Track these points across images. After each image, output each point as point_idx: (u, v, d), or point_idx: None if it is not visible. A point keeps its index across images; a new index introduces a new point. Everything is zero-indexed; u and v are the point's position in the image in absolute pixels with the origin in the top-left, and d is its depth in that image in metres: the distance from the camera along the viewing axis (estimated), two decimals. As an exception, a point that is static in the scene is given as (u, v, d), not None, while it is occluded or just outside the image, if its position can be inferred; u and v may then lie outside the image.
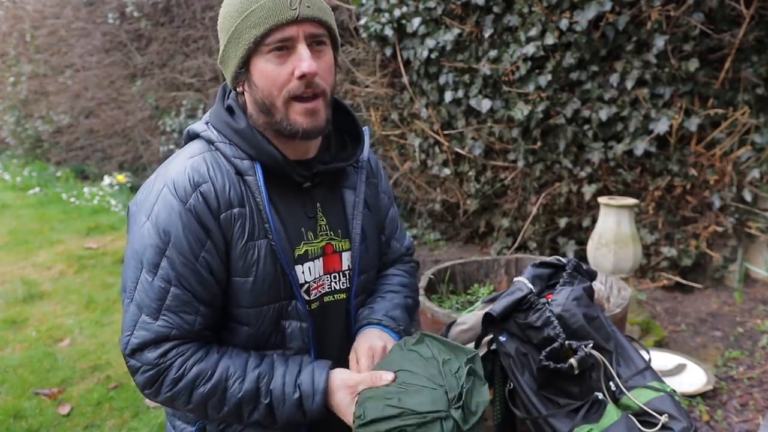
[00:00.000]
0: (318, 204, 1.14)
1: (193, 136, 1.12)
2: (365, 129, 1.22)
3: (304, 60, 0.99)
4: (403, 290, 1.30)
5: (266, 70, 1.00)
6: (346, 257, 1.17)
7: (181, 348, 1.01)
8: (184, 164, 1.04)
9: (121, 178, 7.17)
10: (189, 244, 1.00)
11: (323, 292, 1.15)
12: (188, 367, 1.00)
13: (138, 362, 1.01)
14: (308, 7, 1.00)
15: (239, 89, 1.07)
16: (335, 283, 1.16)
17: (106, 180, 7.33)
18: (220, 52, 1.06)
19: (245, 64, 1.02)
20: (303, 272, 1.11)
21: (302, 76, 0.99)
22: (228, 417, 1.04)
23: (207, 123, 1.10)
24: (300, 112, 1.02)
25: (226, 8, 1.04)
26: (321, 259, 1.13)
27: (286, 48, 1.00)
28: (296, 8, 0.98)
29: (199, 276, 1.01)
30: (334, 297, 1.16)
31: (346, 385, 1.03)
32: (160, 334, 1.00)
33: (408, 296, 1.30)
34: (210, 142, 1.07)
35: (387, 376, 1.01)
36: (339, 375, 1.05)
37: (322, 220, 1.14)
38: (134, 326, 1.01)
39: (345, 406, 1.02)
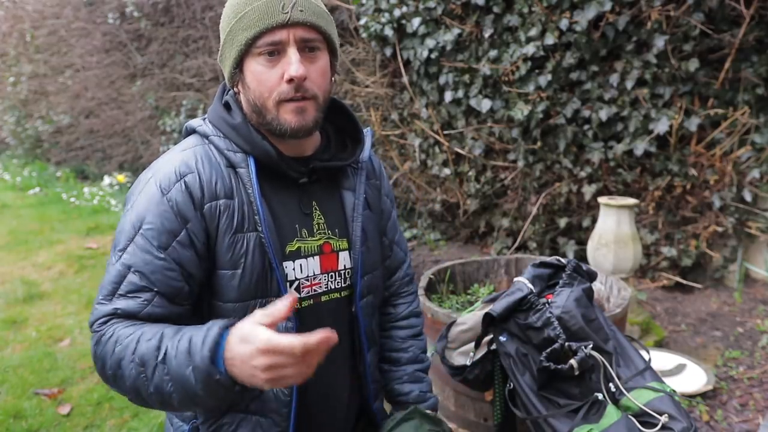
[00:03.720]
0: (314, 201, 1.15)
1: (190, 131, 1.14)
2: (368, 130, 1.22)
3: (292, 64, 1.00)
4: (423, 357, 1.40)
5: (257, 72, 1.03)
6: (343, 257, 1.17)
7: (123, 319, 1.00)
8: (173, 157, 1.07)
9: (121, 178, 7.18)
10: (158, 235, 1.00)
11: (320, 291, 1.14)
12: (118, 329, 0.98)
13: (92, 333, 1.02)
14: (301, 11, 1.00)
15: (235, 89, 1.10)
16: (332, 282, 1.16)
17: (106, 180, 7.33)
18: (219, 51, 1.09)
19: (239, 65, 1.05)
20: (294, 269, 1.10)
21: (290, 80, 1.01)
22: (137, 383, 0.94)
23: (204, 119, 1.13)
24: (289, 111, 1.03)
25: (225, 8, 1.06)
26: (318, 257, 1.13)
27: (277, 51, 1.01)
28: (288, 12, 0.99)
29: (161, 267, 1.00)
30: (330, 296, 1.16)
31: (250, 318, 0.87)
32: (106, 313, 1.01)
33: (424, 362, 1.41)
34: (205, 136, 1.09)
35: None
36: (242, 323, 0.88)
37: (320, 218, 1.15)
38: (93, 306, 1.03)
39: (249, 330, 0.85)
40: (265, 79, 1.02)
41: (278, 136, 1.08)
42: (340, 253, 1.17)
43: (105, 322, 1.00)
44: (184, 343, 0.90)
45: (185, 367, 0.88)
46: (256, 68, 1.02)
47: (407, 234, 4.65)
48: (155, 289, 1.00)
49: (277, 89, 1.02)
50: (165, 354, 0.90)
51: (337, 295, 1.17)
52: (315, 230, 1.14)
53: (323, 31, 1.04)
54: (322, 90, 1.05)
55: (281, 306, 0.85)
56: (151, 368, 0.91)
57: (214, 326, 0.89)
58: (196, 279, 1.04)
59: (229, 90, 1.14)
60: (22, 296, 4.12)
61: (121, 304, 1.00)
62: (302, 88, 1.02)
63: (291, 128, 1.04)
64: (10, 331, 3.64)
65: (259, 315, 0.86)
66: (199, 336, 0.89)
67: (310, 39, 1.03)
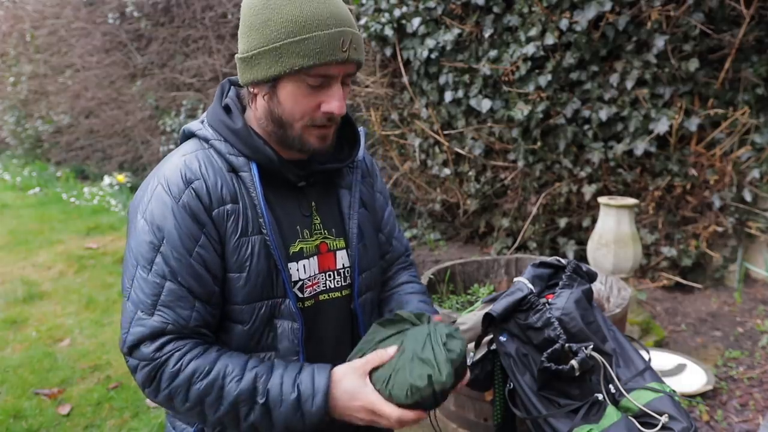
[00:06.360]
0: (313, 203, 1.16)
1: (189, 135, 1.13)
2: (361, 129, 1.23)
3: (337, 100, 1.02)
4: (423, 297, 1.35)
5: (297, 95, 1.02)
6: (340, 256, 1.18)
7: (177, 343, 1.01)
8: (177, 162, 1.06)
9: (121, 178, 7.17)
10: (182, 240, 1.01)
11: (318, 290, 1.15)
12: (185, 362, 0.99)
13: (136, 359, 1.01)
14: (355, 49, 1.03)
15: (254, 90, 1.06)
16: (330, 281, 1.17)
17: (106, 180, 7.33)
18: (249, 53, 1.02)
19: (274, 80, 1.02)
20: (298, 269, 1.11)
21: (329, 113, 1.03)
22: (226, 418, 1.02)
23: (203, 122, 1.12)
24: (315, 135, 1.06)
25: (268, 14, 0.99)
26: (316, 257, 1.14)
27: (322, 83, 1.03)
28: (347, 51, 1.01)
29: (193, 271, 1.01)
30: (329, 295, 1.17)
31: (353, 368, 1.02)
32: (155, 329, 1.00)
33: (425, 302, 1.35)
34: (205, 140, 1.09)
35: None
36: (341, 367, 1.04)
37: (317, 219, 1.16)
38: (130, 323, 1.01)
39: (358, 388, 1.01)
40: (302, 103, 1.03)
41: (290, 148, 1.09)
42: (337, 252, 1.17)
43: (160, 347, 0.99)
44: (289, 388, 1.00)
45: (295, 411, 1.00)
46: (295, 91, 1.02)
47: (407, 234, 4.65)
48: (195, 295, 1.02)
49: (310, 116, 1.03)
50: (267, 398, 1.00)
51: (337, 294, 1.18)
52: (313, 230, 1.15)
53: (361, 64, 1.08)
54: (342, 114, 1.08)
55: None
56: (247, 407, 1.00)
57: (319, 375, 1.01)
58: (219, 281, 1.05)
59: (229, 91, 1.13)
60: (22, 296, 4.12)
61: (169, 316, 1.00)
62: (334, 119, 1.05)
63: (312, 149, 1.07)
64: (10, 331, 3.64)
65: (360, 364, 1.02)
66: (307, 383, 1.01)
67: (352, 74, 1.06)
